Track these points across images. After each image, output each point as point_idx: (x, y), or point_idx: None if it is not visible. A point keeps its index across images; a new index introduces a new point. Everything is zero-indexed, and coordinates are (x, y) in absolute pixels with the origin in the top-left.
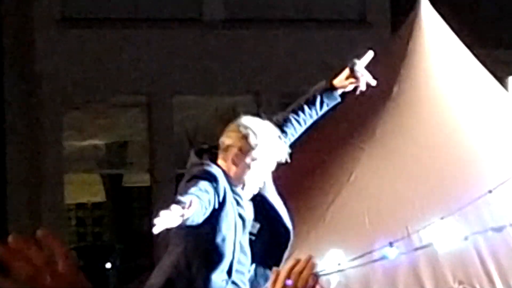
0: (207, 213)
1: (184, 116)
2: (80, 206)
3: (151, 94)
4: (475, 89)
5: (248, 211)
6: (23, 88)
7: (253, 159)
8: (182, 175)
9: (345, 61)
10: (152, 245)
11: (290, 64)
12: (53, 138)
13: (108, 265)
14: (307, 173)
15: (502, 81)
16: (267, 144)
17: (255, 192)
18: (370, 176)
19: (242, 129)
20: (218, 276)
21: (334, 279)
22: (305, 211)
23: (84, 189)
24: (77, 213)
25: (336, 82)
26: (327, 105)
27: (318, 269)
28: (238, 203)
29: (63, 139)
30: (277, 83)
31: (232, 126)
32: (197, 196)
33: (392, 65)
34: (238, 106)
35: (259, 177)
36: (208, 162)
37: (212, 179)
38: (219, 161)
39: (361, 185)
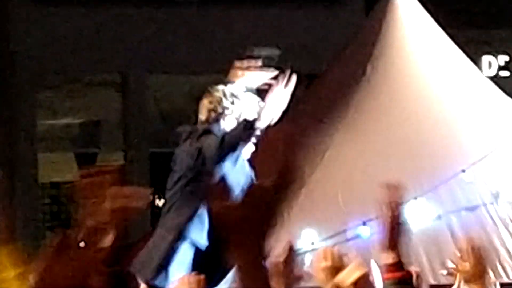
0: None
1: (158, 95)
2: (54, 185)
3: (125, 73)
4: (449, 68)
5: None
6: None
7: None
8: (156, 154)
9: (319, 41)
10: (126, 223)
11: (265, 43)
12: (27, 117)
13: (82, 244)
14: (279, 154)
15: (475, 60)
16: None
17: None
18: (344, 156)
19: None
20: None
21: (308, 258)
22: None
23: (58, 168)
24: (51, 192)
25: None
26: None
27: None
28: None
29: (37, 118)
30: None
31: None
32: None
33: (365, 44)
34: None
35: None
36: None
37: None
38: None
39: (334, 165)
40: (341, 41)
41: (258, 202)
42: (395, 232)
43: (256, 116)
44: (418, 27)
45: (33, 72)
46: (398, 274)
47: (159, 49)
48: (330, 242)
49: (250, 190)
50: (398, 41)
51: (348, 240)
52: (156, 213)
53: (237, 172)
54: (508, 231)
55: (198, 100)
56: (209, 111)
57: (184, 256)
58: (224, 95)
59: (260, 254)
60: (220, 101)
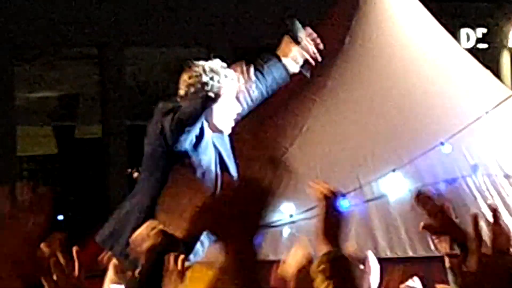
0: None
1: (136, 68)
2: (32, 158)
3: (102, 46)
4: (427, 41)
5: (224, 145)
6: None
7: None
8: (133, 126)
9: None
10: (104, 196)
11: (244, 18)
12: (4, 91)
13: (61, 217)
14: (259, 127)
15: (453, 33)
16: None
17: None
18: (322, 128)
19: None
20: None
21: (286, 231)
22: (256, 164)
23: (36, 142)
24: (29, 166)
25: (279, 52)
26: (274, 76)
27: (271, 220)
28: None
29: (15, 92)
30: (230, 36)
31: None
32: None
33: (344, 16)
34: (190, 59)
35: (227, 113)
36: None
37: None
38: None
39: (312, 137)
40: (319, 13)
41: (248, 195)
42: (331, 224)
43: (217, 91)
44: None
45: (11, 45)
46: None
47: (136, 22)
48: (308, 215)
49: (239, 183)
50: (376, 13)
51: None
52: (134, 186)
53: (203, 151)
54: (487, 203)
55: (175, 73)
56: (188, 86)
57: None
58: (204, 70)
59: (251, 249)
60: (199, 76)
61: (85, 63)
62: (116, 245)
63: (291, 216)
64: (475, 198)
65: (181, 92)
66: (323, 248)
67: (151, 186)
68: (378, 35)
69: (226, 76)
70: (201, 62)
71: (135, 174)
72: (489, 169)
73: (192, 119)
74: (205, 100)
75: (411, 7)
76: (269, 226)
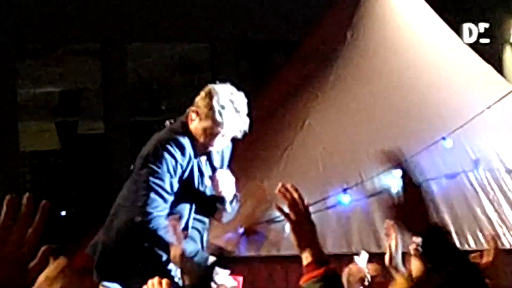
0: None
1: (139, 64)
2: (34, 154)
3: (105, 41)
4: (429, 36)
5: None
6: None
7: (222, 132)
8: (136, 122)
9: (299, 9)
10: (107, 192)
11: (247, 12)
12: (7, 86)
13: (63, 213)
14: (261, 122)
15: (455, 28)
16: (233, 118)
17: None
18: (324, 123)
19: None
20: None
21: (288, 227)
22: (258, 160)
23: (39, 137)
24: (31, 161)
25: None
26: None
27: (272, 216)
28: (199, 166)
29: (17, 88)
30: (233, 31)
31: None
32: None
33: (346, 11)
34: (193, 54)
35: (223, 143)
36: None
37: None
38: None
39: (314, 132)
40: (321, 8)
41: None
42: (303, 232)
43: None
44: None
45: (13, 41)
46: (314, 274)
47: (139, 18)
48: (310, 210)
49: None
50: (378, 8)
51: (328, 207)
52: None
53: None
54: (488, 198)
55: (177, 68)
56: (203, 107)
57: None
58: (217, 100)
59: None
60: (216, 113)
61: (87, 59)
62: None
63: None
64: (477, 192)
65: (193, 114)
66: (303, 259)
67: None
68: (380, 30)
69: (236, 111)
70: (222, 88)
71: None
72: (491, 164)
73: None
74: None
75: (413, 2)
76: (272, 221)
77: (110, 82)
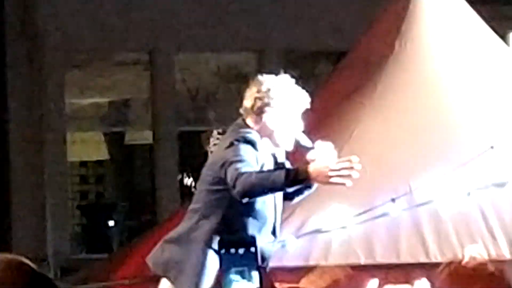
0: None
1: (186, 74)
2: (82, 164)
3: (153, 52)
4: (477, 45)
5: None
6: (25, 46)
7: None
8: (184, 132)
9: (348, 18)
10: (155, 202)
11: (294, 21)
12: (55, 96)
13: (111, 223)
14: (311, 131)
15: (503, 36)
16: (285, 97)
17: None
18: (372, 132)
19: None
20: (265, 239)
21: (337, 237)
22: None
23: (87, 147)
24: (80, 171)
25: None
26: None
27: (320, 227)
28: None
29: (65, 98)
30: (280, 40)
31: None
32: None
33: (394, 21)
34: (240, 64)
35: (290, 130)
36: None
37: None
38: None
39: (363, 142)
40: (369, 18)
41: None
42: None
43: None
44: (446, 3)
45: (62, 51)
46: None
47: (187, 27)
48: (358, 220)
49: None
50: (426, 17)
51: (376, 217)
52: (185, 191)
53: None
54: None
55: (225, 78)
56: (256, 99)
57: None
58: (273, 85)
59: None
60: (268, 92)
61: (135, 69)
62: (179, 278)
63: (341, 222)
64: None
65: (247, 104)
66: None
67: (219, 210)
68: (428, 41)
69: (294, 93)
70: (271, 76)
71: (186, 180)
72: None
73: (257, 193)
74: (278, 180)
75: (460, 10)
76: (320, 231)
77: (158, 92)
